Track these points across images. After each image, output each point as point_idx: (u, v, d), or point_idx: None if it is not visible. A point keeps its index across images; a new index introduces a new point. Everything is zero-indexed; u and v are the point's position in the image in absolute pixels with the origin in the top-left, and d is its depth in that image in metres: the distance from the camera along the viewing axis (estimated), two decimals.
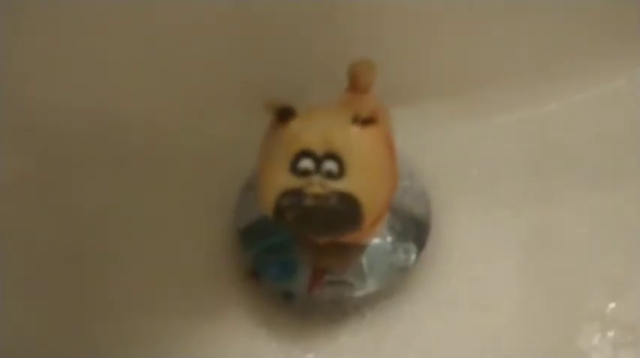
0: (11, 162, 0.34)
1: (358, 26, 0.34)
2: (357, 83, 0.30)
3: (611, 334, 0.31)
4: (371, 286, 0.31)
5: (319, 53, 0.34)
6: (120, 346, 0.31)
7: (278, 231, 0.32)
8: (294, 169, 0.26)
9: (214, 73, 0.36)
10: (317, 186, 0.26)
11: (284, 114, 0.26)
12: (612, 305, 0.32)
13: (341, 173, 0.26)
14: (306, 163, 0.26)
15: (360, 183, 0.26)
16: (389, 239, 0.33)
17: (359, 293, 0.31)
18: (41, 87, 0.35)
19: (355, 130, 0.26)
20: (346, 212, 0.26)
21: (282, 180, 0.26)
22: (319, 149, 0.26)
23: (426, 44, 0.36)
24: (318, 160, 0.26)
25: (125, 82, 0.36)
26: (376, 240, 0.32)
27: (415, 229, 0.33)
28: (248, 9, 0.34)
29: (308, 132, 0.26)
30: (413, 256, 0.32)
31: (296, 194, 0.26)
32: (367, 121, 0.27)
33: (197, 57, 0.35)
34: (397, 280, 0.32)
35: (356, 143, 0.26)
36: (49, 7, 0.33)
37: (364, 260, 0.32)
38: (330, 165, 0.26)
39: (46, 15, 0.34)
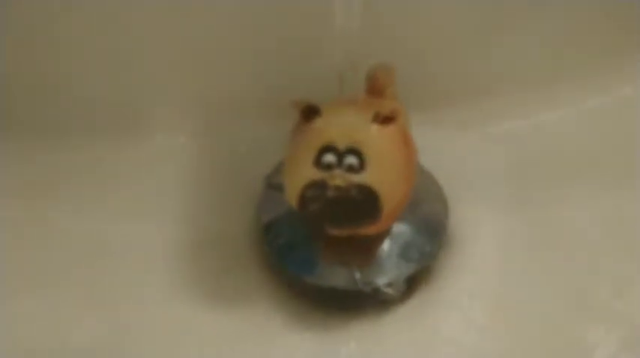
0: (39, 157, 0.36)
1: (374, 36, 0.35)
2: (374, 86, 0.32)
3: (616, 331, 0.32)
4: (385, 279, 0.32)
5: (338, 60, 0.36)
6: (142, 336, 0.32)
7: (299, 226, 0.33)
8: (318, 163, 0.28)
9: (238, 77, 0.37)
10: (339, 178, 0.28)
11: (309, 112, 0.28)
12: (618, 303, 0.32)
13: (361, 167, 0.28)
14: (329, 157, 0.28)
15: (378, 176, 0.28)
16: (407, 233, 0.34)
17: (374, 285, 0.32)
18: (77, 86, 0.37)
19: (375, 128, 0.28)
20: (365, 203, 0.28)
21: (306, 172, 0.28)
22: (341, 144, 0.28)
23: (437, 55, 0.37)
24: (340, 155, 0.28)
25: (154, 84, 0.37)
26: (394, 233, 0.33)
27: (432, 226, 0.34)
28: (270, 17, 0.35)
29: (331, 129, 0.28)
30: (429, 252, 0.33)
31: (319, 186, 0.28)
32: (386, 119, 0.28)
33: (222, 62, 0.37)
34: (412, 275, 0.33)
35: (376, 139, 0.28)
36: (83, 11, 0.35)
37: (381, 252, 0.33)
38: (351, 160, 0.28)
39: (79, 18, 0.35)
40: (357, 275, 0.32)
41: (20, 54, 0.35)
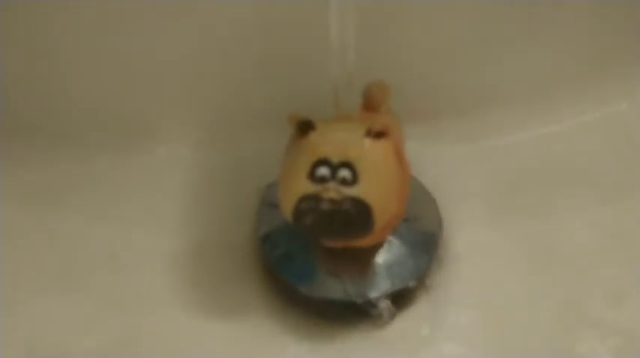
0: (43, 167, 0.37)
1: (370, 51, 0.35)
2: (370, 103, 0.32)
3: (610, 341, 0.32)
4: (379, 291, 0.33)
5: (337, 74, 0.36)
6: (142, 343, 0.33)
7: (296, 238, 0.34)
8: (312, 176, 0.28)
9: (238, 91, 0.38)
10: (332, 191, 0.28)
11: (304, 127, 0.29)
12: (612, 313, 0.33)
13: (354, 180, 0.28)
14: (323, 171, 0.28)
15: (371, 189, 0.28)
16: (401, 246, 0.34)
17: (368, 296, 0.33)
18: (81, 98, 0.38)
19: (368, 142, 0.29)
20: (358, 215, 0.28)
21: (301, 186, 0.29)
22: (335, 158, 0.28)
23: (433, 68, 0.37)
24: (334, 168, 0.28)
25: (157, 97, 0.38)
26: (388, 246, 0.34)
27: (426, 239, 0.35)
28: (270, 31, 0.36)
29: (325, 143, 0.29)
30: (423, 264, 0.34)
31: (313, 198, 0.28)
32: (379, 134, 0.29)
33: (222, 76, 0.37)
34: (406, 286, 0.33)
35: (368, 153, 0.29)
36: (87, 20, 0.35)
37: (375, 265, 0.33)
38: (344, 173, 0.28)
39: (83, 29, 0.36)
40: (350, 288, 0.33)
41: (24, 62, 0.36)
